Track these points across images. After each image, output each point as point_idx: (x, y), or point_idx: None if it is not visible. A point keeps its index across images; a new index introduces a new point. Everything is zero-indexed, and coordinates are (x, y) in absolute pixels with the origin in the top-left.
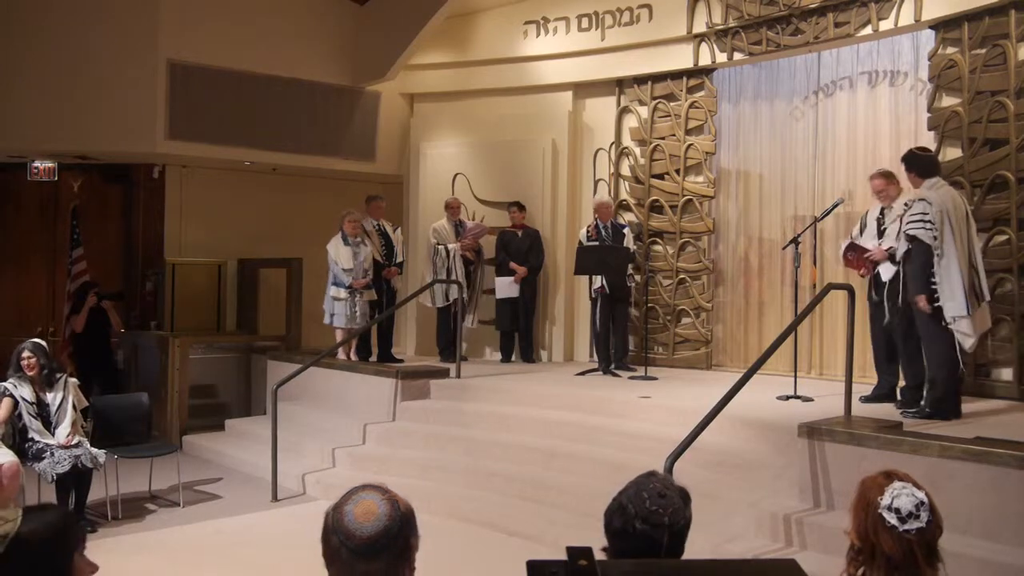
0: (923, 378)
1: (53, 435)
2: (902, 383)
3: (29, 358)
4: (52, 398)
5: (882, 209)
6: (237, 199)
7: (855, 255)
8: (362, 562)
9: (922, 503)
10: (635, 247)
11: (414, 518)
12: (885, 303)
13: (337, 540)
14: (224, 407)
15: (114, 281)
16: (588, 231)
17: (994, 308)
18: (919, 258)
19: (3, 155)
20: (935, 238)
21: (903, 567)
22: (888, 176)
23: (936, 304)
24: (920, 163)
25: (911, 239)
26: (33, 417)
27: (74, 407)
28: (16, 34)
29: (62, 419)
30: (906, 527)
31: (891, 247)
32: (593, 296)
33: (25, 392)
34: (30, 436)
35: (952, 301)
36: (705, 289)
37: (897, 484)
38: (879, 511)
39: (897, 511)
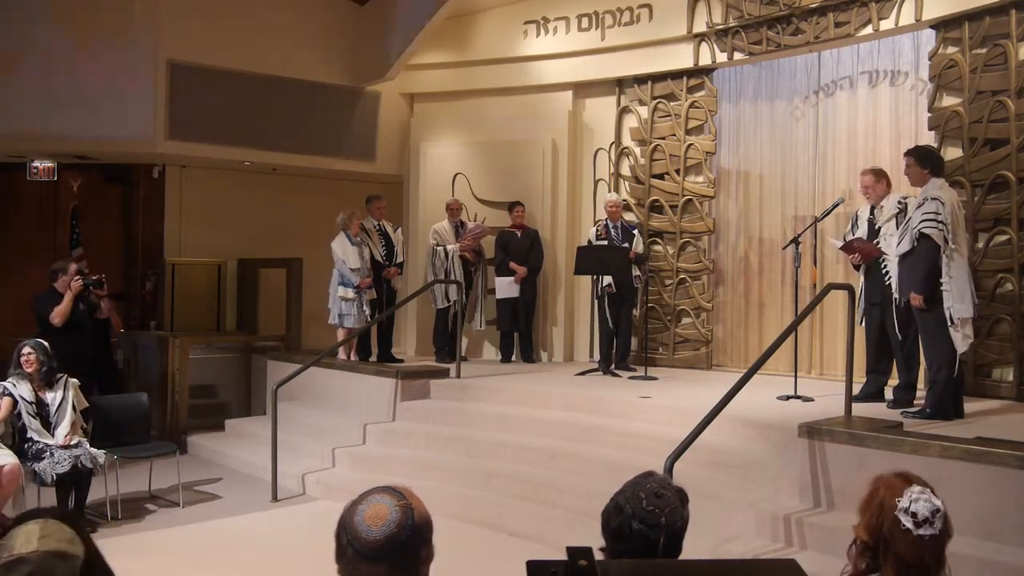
0: (915, 378)
1: (52, 435)
2: (893, 382)
3: (29, 355)
4: (52, 398)
5: (872, 208)
6: (237, 199)
7: (861, 244)
8: (365, 564)
9: (938, 511)
10: (644, 249)
11: (429, 531)
12: (893, 311)
13: (345, 539)
14: (224, 407)
15: (114, 281)
16: (597, 230)
17: (994, 308)
18: (926, 257)
19: (3, 155)
20: (946, 239)
21: (914, 568)
22: (877, 173)
23: (936, 303)
24: (935, 160)
25: (922, 237)
26: (32, 416)
27: (74, 407)
28: (16, 34)
29: (61, 419)
30: (920, 532)
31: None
32: (600, 295)
33: (24, 391)
34: (29, 436)
35: (961, 303)
36: (705, 289)
37: (916, 489)
38: (896, 513)
39: (914, 515)
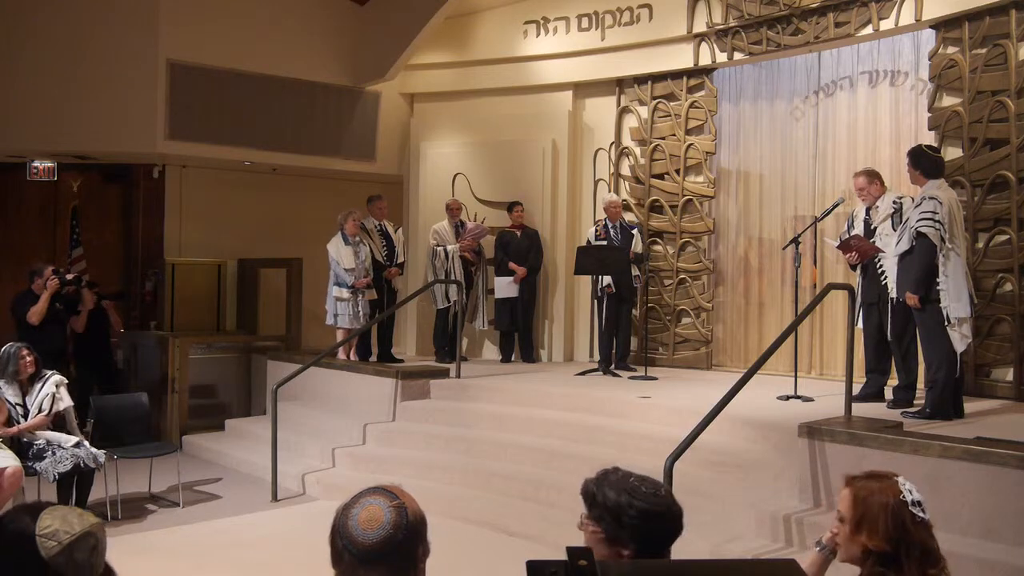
0: (915, 378)
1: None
2: (893, 382)
3: (26, 357)
4: (32, 395)
5: (868, 209)
6: (237, 199)
7: (858, 242)
8: (364, 568)
9: (916, 489)
10: (644, 249)
11: (424, 527)
12: (888, 311)
13: (341, 543)
14: (224, 407)
15: (114, 281)
16: (596, 230)
17: (994, 308)
18: (923, 256)
19: (3, 155)
20: (942, 238)
21: (933, 551)
22: (870, 175)
23: (933, 303)
24: (928, 162)
25: (918, 236)
26: (16, 420)
27: (54, 399)
28: (16, 34)
29: (38, 411)
30: (927, 516)
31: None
32: (600, 295)
33: (8, 394)
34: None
35: (957, 302)
36: (705, 289)
37: (900, 479)
38: (909, 509)
39: (919, 504)
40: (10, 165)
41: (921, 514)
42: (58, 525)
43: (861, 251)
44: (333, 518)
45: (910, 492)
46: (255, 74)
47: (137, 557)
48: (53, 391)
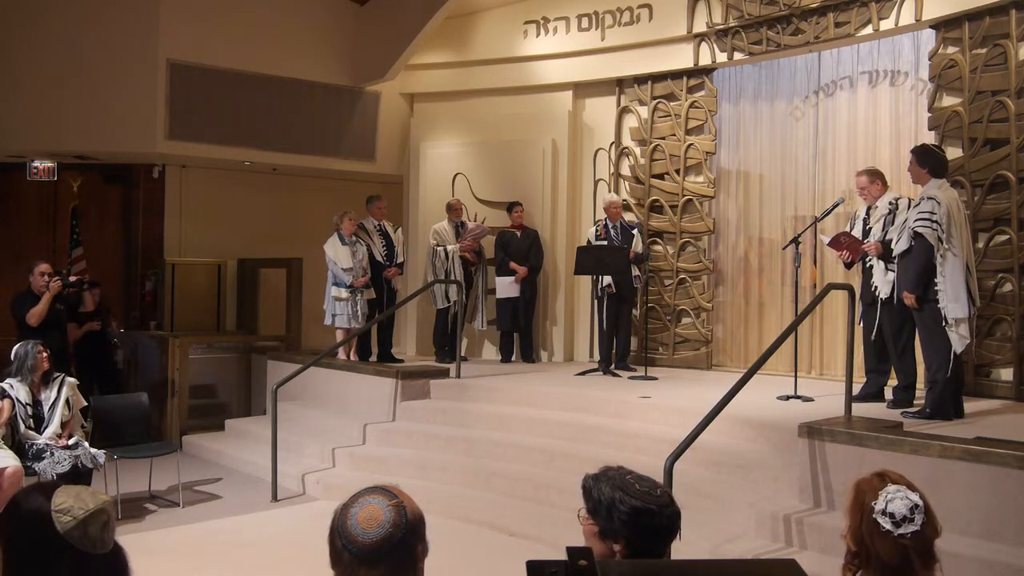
0: (914, 378)
1: (41, 434)
2: (892, 383)
3: (41, 353)
4: (46, 396)
5: (868, 208)
6: (237, 199)
7: (847, 239)
8: (364, 567)
9: (916, 506)
10: (644, 249)
11: (423, 526)
12: (880, 311)
13: (341, 543)
14: (224, 407)
15: (114, 281)
16: (597, 230)
17: (994, 308)
18: (920, 256)
19: (3, 155)
20: (940, 239)
21: (899, 571)
22: (872, 174)
23: (932, 303)
24: (934, 161)
25: (915, 236)
26: (23, 420)
27: (68, 405)
28: (16, 34)
29: (52, 418)
30: (900, 531)
31: (888, 239)
32: (600, 295)
33: (21, 393)
34: (18, 438)
35: (955, 303)
36: (705, 289)
37: (891, 487)
38: (873, 516)
39: (891, 516)
40: (10, 165)
41: (888, 527)
42: (72, 502)
43: (851, 249)
44: (332, 518)
45: (886, 501)
46: (255, 74)
47: (137, 557)
48: (71, 395)
